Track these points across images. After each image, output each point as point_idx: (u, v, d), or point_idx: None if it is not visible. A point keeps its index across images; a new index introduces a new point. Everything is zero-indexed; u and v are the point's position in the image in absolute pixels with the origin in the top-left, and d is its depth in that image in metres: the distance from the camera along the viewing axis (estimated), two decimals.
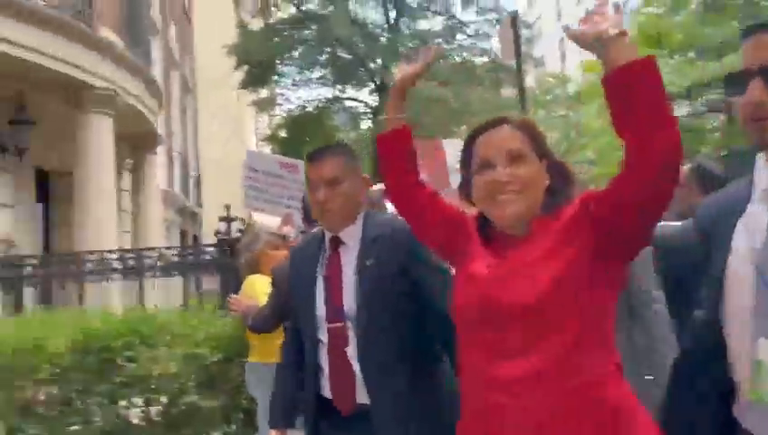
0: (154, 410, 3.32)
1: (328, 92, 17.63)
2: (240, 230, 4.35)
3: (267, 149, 18.50)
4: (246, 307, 2.99)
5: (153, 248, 4.91)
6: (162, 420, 3.30)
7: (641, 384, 2.16)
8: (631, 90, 1.17)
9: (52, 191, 9.19)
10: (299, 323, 2.04)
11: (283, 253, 3.06)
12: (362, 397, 1.84)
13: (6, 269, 4.66)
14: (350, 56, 16.06)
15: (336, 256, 1.95)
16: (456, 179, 3.69)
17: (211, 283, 5.81)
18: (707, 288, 1.26)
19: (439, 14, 17.14)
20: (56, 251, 8.32)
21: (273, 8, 16.88)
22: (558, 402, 1.24)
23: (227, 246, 4.21)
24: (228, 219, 4.19)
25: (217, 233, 4.37)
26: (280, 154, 12.01)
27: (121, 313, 3.65)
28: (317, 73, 17.13)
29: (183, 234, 16.82)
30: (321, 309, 1.91)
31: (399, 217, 1.75)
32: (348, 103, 17.65)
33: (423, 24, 17.14)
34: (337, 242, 1.95)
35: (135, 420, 3.34)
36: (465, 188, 1.48)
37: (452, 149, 4.61)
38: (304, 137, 16.36)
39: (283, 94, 18.83)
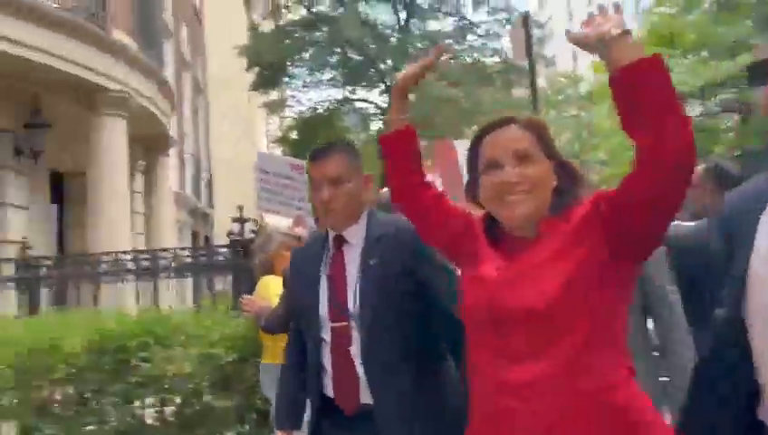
0: (168, 410, 3.33)
1: (338, 94, 17.69)
2: (253, 231, 4.36)
3: (278, 151, 18.57)
4: (259, 308, 3.00)
5: (167, 249, 4.93)
6: (176, 421, 3.32)
7: (655, 385, 2.15)
8: (639, 89, 1.15)
9: (66, 193, 9.27)
10: (301, 322, 2.03)
11: None
12: (366, 397, 1.83)
13: (22, 270, 4.70)
14: (360, 57, 16.08)
15: (340, 255, 1.94)
16: None
17: (223, 283, 5.84)
18: (729, 287, 1.25)
19: (450, 14, 17.12)
20: (70, 252, 8.39)
21: (283, 10, 16.93)
22: (569, 406, 1.23)
23: (240, 246, 4.23)
24: (241, 220, 4.21)
25: (230, 234, 4.39)
26: (291, 156, 12.05)
27: (136, 313, 3.67)
28: (327, 75, 17.18)
29: (195, 235, 16.90)
30: (324, 308, 1.90)
31: (404, 217, 1.73)
32: (358, 105, 17.68)
33: (433, 25, 17.15)
34: (341, 241, 1.94)
35: (149, 421, 3.36)
36: (472, 189, 1.47)
37: (463, 149, 4.60)
38: (315, 138, 16.38)
39: (293, 96, 18.91)
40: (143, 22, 9.37)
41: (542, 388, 1.24)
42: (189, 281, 5.64)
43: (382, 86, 16.44)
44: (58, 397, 3.41)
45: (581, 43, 1.24)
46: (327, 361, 1.89)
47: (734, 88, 13.62)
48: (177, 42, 15.00)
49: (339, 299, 1.88)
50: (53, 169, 8.56)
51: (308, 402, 2.00)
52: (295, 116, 18.94)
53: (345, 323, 1.86)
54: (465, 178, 1.55)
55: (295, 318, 2.13)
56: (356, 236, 1.93)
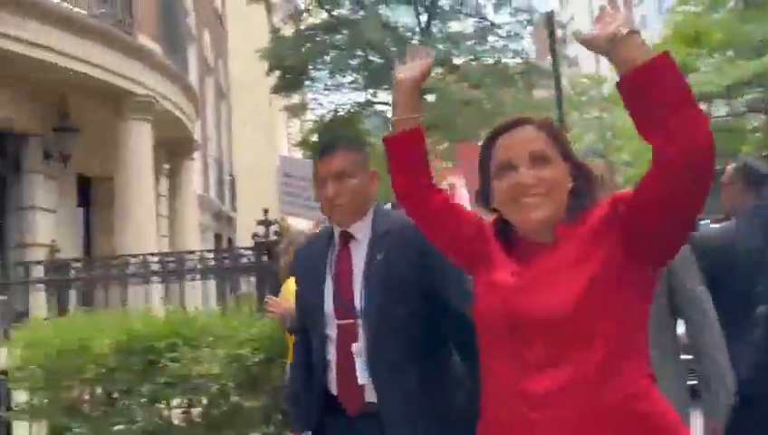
0: (195, 410, 3.36)
1: (359, 97, 17.74)
2: (276, 233, 4.39)
3: (299, 154, 18.67)
4: (284, 310, 3.02)
5: (193, 252, 4.99)
6: (203, 421, 3.35)
7: (683, 388, 2.12)
8: (650, 90, 1.12)
9: (93, 197, 9.42)
10: (307, 320, 2.01)
11: None
12: (370, 395, 1.81)
13: (52, 272, 4.78)
14: (381, 60, 16.11)
15: (346, 251, 1.92)
16: None
17: (248, 285, 5.88)
18: None
19: (471, 16, 17.09)
20: (97, 255, 8.52)
21: (305, 14, 17.03)
22: (591, 416, 1.20)
23: (265, 249, 4.26)
24: (266, 223, 4.24)
25: (255, 236, 4.41)
26: (312, 159, 12.11)
27: (163, 315, 3.71)
28: (349, 78, 17.24)
29: (218, 238, 17.03)
30: (329, 306, 1.89)
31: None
32: (379, 107, 17.70)
33: (455, 27, 17.12)
34: (347, 237, 1.93)
35: (176, 421, 3.39)
36: (483, 193, 1.43)
37: None
38: None
39: (315, 99, 18.99)
40: (168, 27, 9.49)
41: (562, 398, 1.21)
42: (214, 283, 5.69)
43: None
44: (87, 397, 3.46)
45: (590, 44, 1.21)
46: (332, 358, 1.88)
47: (761, 87, 13.40)
48: (200, 47, 15.16)
49: (345, 296, 1.87)
50: (81, 173, 8.71)
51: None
52: (316, 119, 19.03)
53: (352, 321, 1.84)
54: None
55: (302, 315, 2.10)
56: (362, 231, 1.91)
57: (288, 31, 17.08)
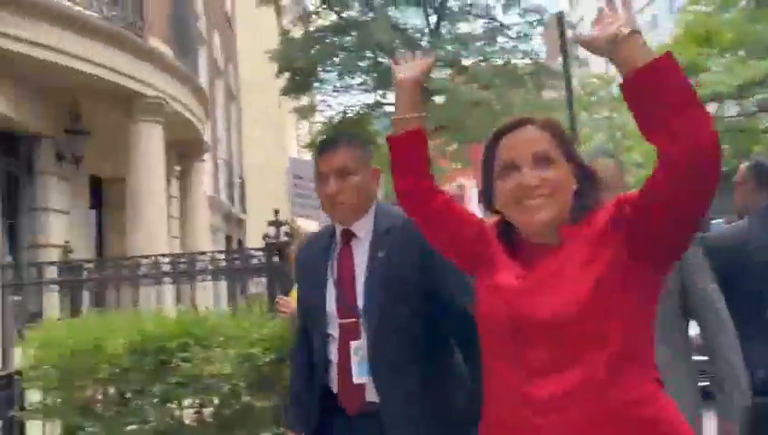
0: (207, 410, 3.38)
1: (369, 98, 17.73)
2: (287, 234, 4.41)
3: (308, 156, 18.71)
4: (295, 310, 3.03)
5: (204, 253, 5.01)
6: (214, 421, 3.36)
7: (695, 389, 2.11)
8: (653, 91, 1.11)
9: (104, 198, 9.49)
10: (308, 320, 1.99)
11: None
12: (371, 394, 1.80)
13: (65, 273, 4.82)
14: (390, 62, 16.09)
15: (348, 249, 1.90)
16: None
17: (258, 286, 5.90)
18: None
19: (480, 17, 17.06)
20: (108, 256, 8.58)
21: (314, 16, 17.06)
22: (597, 422, 1.19)
23: (276, 249, 4.27)
24: (277, 223, 4.25)
25: (266, 237, 4.43)
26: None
27: (174, 315, 3.73)
28: (358, 79, 17.24)
29: (228, 239, 17.10)
30: (331, 305, 1.87)
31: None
32: (388, 109, 17.69)
33: (464, 28, 17.10)
34: (349, 235, 1.91)
35: (187, 421, 3.40)
36: (486, 194, 1.41)
37: None
38: None
39: (324, 101, 19.02)
40: (178, 30, 9.55)
41: (567, 403, 1.20)
42: (223, 284, 5.71)
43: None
44: (100, 397, 3.48)
45: (590, 45, 1.20)
46: (334, 357, 1.86)
47: None
48: (210, 49, 15.24)
49: (347, 295, 1.85)
50: (93, 174, 8.77)
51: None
52: (325, 121, 19.06)
53: (354, 320, 1.83)
54: None
55: (302, 315, 2.08)
56: (364, 229, 1.89)
57: (297, 33, 17.12)
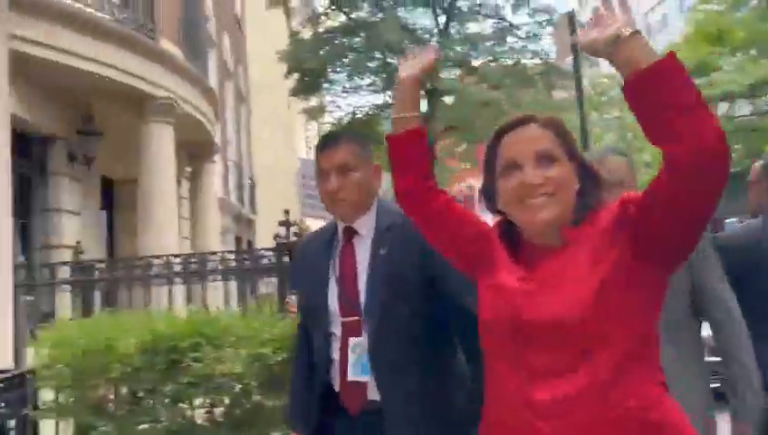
0: (218, 410, 3.39)
1: (378, 99, 17.75)
2: (296, 234, 4.42)
3: None
4: None
5: (215, 253, 5.04)
6: (226, 421, 3.37)
7: (707, 390, 2.09)
8: (658, 93, 1.09)
9: (115, 199, 9.55)
10: (308, 318, 1.97)
11: None
12: (373, 393, 1.79)
13: (77, 273, 4.86)
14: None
15: (350, 247, 1.89)
16: None
17: (268, 286, 5.92)
18: None
19: (489, 17, 17.03)
20: (119, 257, 8.64)
21: (323, 17, 17.10)
22: (599, 425, 1.17)
23: (286, 249, 4.29)
24: (287, 224, 4.27)
25: (277, 237, 4.45)
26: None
27: (185, 315, 3.75)
28: (367, 80, 17.27)
29: (238, 240, 17.16)
30: (334, 304, 1.85)
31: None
32: None
33: (473, 28, 17.08)
34: (351, 233, 1.89)
35: (199, 421, 3.42)
36: (487, 194, 1.39)
37: None
38: None
39: (333, 101, 19.07)
40: (189, 32, 9.60)
41: (570, 406, 1.18)
42: (233, 284, 5.74)
43: (422, 91, 16.44)
44: (112, 396, 3.51)
45: (590, 48, 1.18)
46: (336, 355, 1.85)
47: None
48: (219, 51, 15.30)
49: (349, 294, 1.83)
50: (104, 175, 8.84)
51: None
52: (334, 121, 19.09)
53: (357, 318, 1.81)
54: None
55: (304, 314, 2.06)
56: (366, 226, 1.87)
57: (306, 34, 17.17)
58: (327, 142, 1.90)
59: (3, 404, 3.23)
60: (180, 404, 3.36)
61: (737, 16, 14.84)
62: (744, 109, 14.88)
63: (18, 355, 4.82)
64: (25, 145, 7.18)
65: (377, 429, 1.73)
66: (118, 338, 3.32)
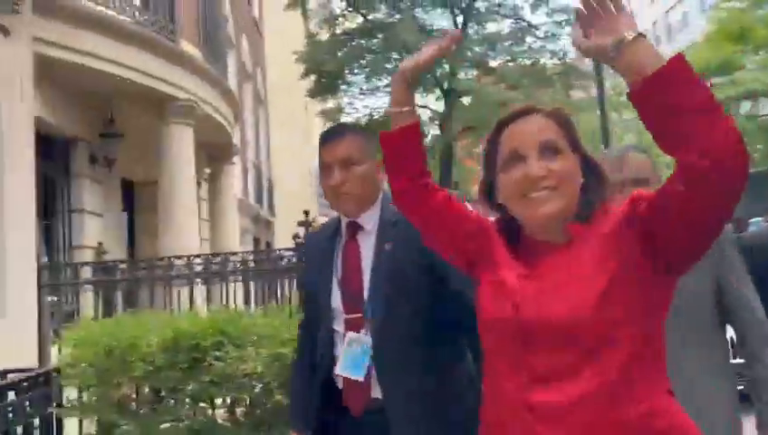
0: (239, 409, 3.41)
1: None
2: None
3: None
4: None
5: (236, 253, 5.09)
6: (246, 420, 3.39)
7: (734, 392, 2.07)
8: (667, 99, 1.02)
9: (136, 201, 9.66)
10: (311, 313, 1.93)
11: None
12: (376, 392, 1.76)
13: (99, 273, 4.93)
14: None
15: (354, 242, 1.84)
16: None
17: (288, 286, 5.95)
18: None
19: (507, 17, 16.97)
20: (140, 258, 8.73)
21: (340, 19, 17.16)
22: (602, 430, 1.12)
23: None
24: (306, 224, 4.30)
25: (296, 237, 4.48)
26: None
27: (207, 315, 3.78)
28: (384, 81, 17.27)
29: (256, 241, 17.27)
30: (337, 300, 1.82)
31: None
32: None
33: (491, 28, 17.03)
34: (355, 228, 1.84)
35: (220, 420, 3.44)
36: (486, 188, 1.34)
37: None
38: None
39: (351, 103, 19.12)
40: (208, 34, 9.68)
41: (572, 411, 1.13)
42: (255, 283, 5.78)
43: (438, 92, 16.44)
44: (134, 395, 3.55)
45: (590, 52, 1.12)
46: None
47: None
48: (238, 53, 15.41)
49: (353, 291, 1.80)
50: (125, 177, 8.93)
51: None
52: (352, 122, 19.14)
53: (360, 316, 1.78)
54: None
55: (307, 309, 2.03)
56: (371, 222, 1.83)
57: (324, 36, 17.23)
58: (330, 136, 1.85)
59: (28, 402, 3.28)
60: (202, 403, 3.39)
61: (760, 14, 14.63)
62: (767, 107, 14.67)
63: (43, 354, 4.90)
64: (49, 147, 7.29)
65: (381, 428, 1.71)
66: (140, 337, 3.36)
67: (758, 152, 14.69)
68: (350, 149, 1.79)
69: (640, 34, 1.06)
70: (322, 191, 1.93)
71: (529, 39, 16.78)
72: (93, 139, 7.81)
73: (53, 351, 4.45)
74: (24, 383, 3.29)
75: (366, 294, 1.78)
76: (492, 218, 1.40)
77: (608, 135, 10.70)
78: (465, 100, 15.85)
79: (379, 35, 16.01)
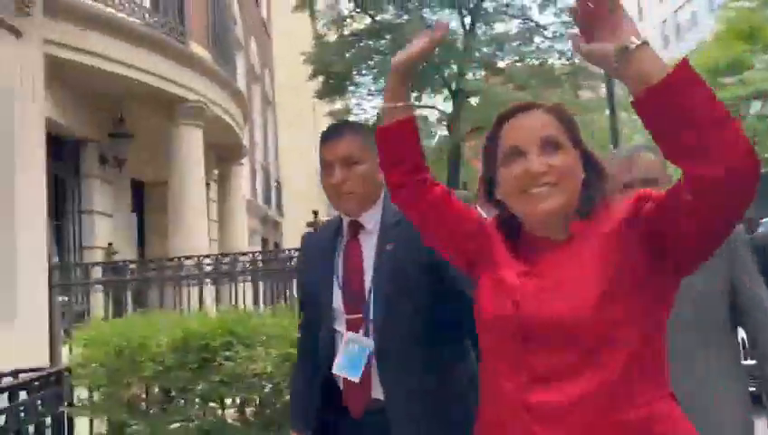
0: (249, 409, 3.42)
1: None
2: None
3: None
4: None
5: (245, 253, 5.10)
6: (256, 420, 3.40)
7: (746, 393, 2.06)
8: (673, 109, 0.99)
9: (146, 202, 9.70)
10: (313, 315, 1.91)
11: None
12: (377, 392, 1.75)
13: (109, 273, 4.96)
14: (424, 63, 16.10)
15: (355, 242, 1.82)
16: None
17: (296, 286, 5.97)
18: None
19: (515, 17, 16.95)
20: (150, 258, 8.77)
21: (348, 20, 17.19)
22: (600, 432, 1.11)
23: None
24: (315, 224, 4.31)
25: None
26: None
27: (216, 315, 3.79)
28: None
29: (264, 242, 17.31)
30: (338, 301, 1.80)
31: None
32: (423, 111, 17.70)
33: (499, 28, 17.01)
34: (356, 227, 1.82)
35: (229, 420, 3.45)
36: (486, 184, 1.32)
37: None
38: None
39: (359, 104, 19.15)
40: (217, 36, 9.72)
41: (571, 412, 1.12)
42: (264, 283, 5.80)
43: (447, 92, 16.44)
44: (144, 395, 3.56)
45: (594, 57, 1.08)
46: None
47: None
48: (247, 55, 15.46)
49: (355, 291, 1.78)
50: (135, 178, 8.98)
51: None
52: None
53: (361, 316, 1.76)
54: None
55: (307, 310, 2.00)
56: (372, 221, 1.81)
57: (332, 37, 17.26)
58: (330, 134, 1.83)
59: (39, 402, 3.31)
60: (211, 403, 3.40)
61: None
62: None
63: (54, 354, 4.93)
64: (59, 148, 7.33)
65: (382, 428, 1.70)
66: (150, 337, 3.37)
67: None
68: (351, 148, 1.77)
69: (644, 42, 1.03)
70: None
71: (537, 39, 16.75)
72: (103, 139, 7.86)
73: (64, 350, 4.48)
74: (36, 383, 3.32)
75: (367, 294, 1.77)
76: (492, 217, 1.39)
77: (617, 135, 10.66)
78: (474, 100, 15.84)
79: (387, 36, 16.03)
